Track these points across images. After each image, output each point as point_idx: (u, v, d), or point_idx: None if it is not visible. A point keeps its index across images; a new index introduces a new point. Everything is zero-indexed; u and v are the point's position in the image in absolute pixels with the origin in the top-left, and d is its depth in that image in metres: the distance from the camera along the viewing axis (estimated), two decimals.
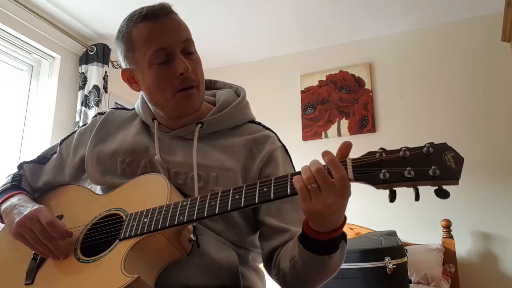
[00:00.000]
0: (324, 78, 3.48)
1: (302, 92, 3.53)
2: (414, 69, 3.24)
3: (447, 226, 2.77)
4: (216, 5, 2.97)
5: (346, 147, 0.74)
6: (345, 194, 0.71)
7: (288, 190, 0.74)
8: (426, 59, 3.22)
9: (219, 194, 0.80)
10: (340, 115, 3.35)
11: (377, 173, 0.69)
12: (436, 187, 0.67)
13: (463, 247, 2.81)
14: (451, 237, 2.75)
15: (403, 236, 2.68)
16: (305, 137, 3.40)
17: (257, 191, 0.77)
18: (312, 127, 3.41)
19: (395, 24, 3.26)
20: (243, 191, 0.78)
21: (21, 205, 0.96)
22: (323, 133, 3.36)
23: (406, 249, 2.09)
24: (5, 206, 0.99)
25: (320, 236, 0.78)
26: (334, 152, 0.74)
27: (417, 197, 0.69)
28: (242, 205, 0.77)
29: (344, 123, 3.32)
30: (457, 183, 0.66)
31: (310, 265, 0.83)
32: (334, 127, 3.34)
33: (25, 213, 0.91)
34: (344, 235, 0.85)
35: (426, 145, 0.69)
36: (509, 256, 2.74)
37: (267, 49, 3.62)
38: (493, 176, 2.86)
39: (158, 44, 0.93)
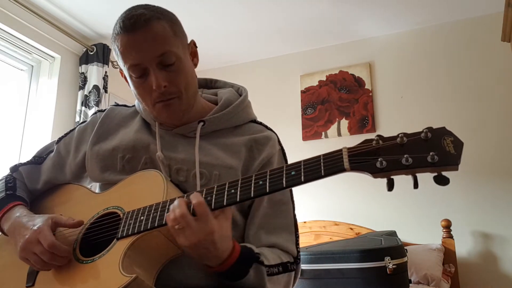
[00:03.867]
0: (324, 78, 3.47)
1: (302, 92, 3.52)
2: (414, 69, 3.24)
3: (447, 226, 2.77)
4: (216, 5, 2.97)
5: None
6: (204, 231, 0.75)
7: (284, 183, 0.74)
8: (426, 59, 3.22)
9: (215, 188, 0.80)
10: (340, 115, 3.35)
11: (373, 161, 0.67)
12: (435, 174, 0.65)
13: (463, 247, 2.81)
14: (451, 237, 2.75)
15: (403, 236, 2.68)
16: (305, 137, 3.40)
17: (252, 184, 0.76)
18: (312, 127, 3.40)
19: (395, 24, 3.26)
20: (239, 185, 0.77)
21: (21, 226, 0.92)
22: (323, 133, 3.36)
23: (406, 249, 2.09)
24: (7, 227, 0.95)
25: (215, 269, 0.81)
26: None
27: (415, 185, 0.67)
28: (237, 199, 0.76)
29: (344, 123, 3.32)
30: (456, 169, 0.64)
31: (230, 286, 0.85)
32: (334, 127, 3.33)
33: (26, 236, 0.88)
34: (254, 258, 0.84)
35: (424, 130, 0.67)
36: (509, 256, 2.74)
37: (267, 49, 3.62)
38: (494, 176, 2.86)
39: (132, 60, 0.91)
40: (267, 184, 0.75)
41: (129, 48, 0.91)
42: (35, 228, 0.88)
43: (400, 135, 0.68)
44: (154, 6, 0.96)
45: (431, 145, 0.66)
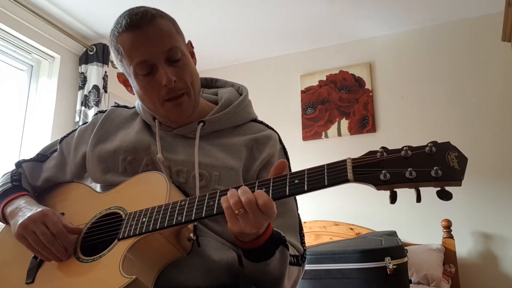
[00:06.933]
0: (324, 78, 3.47)
1: (302, 92, 3.52)
2: (414, 69, 3.24)
3: (448, 226, 2.76)
4: (216, 5, 2.96)
5: (282, 167, 0.78)
6: (272, 215, 0.74)
7: (287, 191, 0.74)
8: (427, 59, 3.22)
9: (218, 193, 0.79)
10: (340, 115, 3.35)
11: (377, 173, 0.67)
12: (439, 189, 0.65)
13: (463, 247, 2.81)
14: (451, 237, 2.75)
15: (403, 236, 2.68)
16: (305, 137, 3.40)
17: (255, 191, 0.76)
18: (312, 127, 3.40)
19: (395, 24, 3.25)
20: None
21: (26, 208, 0.93)
22: (323, 133, 3.36)
23: (406, 249, 2.08)
24: (11, 209, 0.96)
25: (246, 245, 0.81)
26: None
27: (418, 199, 0.67)
28: None
29: (344, 123, 3.32)
30: (460, 184, 0.64)
31: (251, 271, 0.86)
32: (334, 127, 3.33)
33: (28, 215, 0.88)
34: (281, 241, 0.85)
35: (429, 145, 0.67)
36: (509, 256, 2.74)
37: (267, 49, 3.61)
38: (494, 176, 2.85)
39: (139, 56, 0.90)
40: (270, 191, 0.75)
41: (136, 45, 0.90)
42: (39, 209, 0.89)
43: (404, 148, 0.68)
44: (152, 7, 0.97)
45: (435, 160, 0.66)
